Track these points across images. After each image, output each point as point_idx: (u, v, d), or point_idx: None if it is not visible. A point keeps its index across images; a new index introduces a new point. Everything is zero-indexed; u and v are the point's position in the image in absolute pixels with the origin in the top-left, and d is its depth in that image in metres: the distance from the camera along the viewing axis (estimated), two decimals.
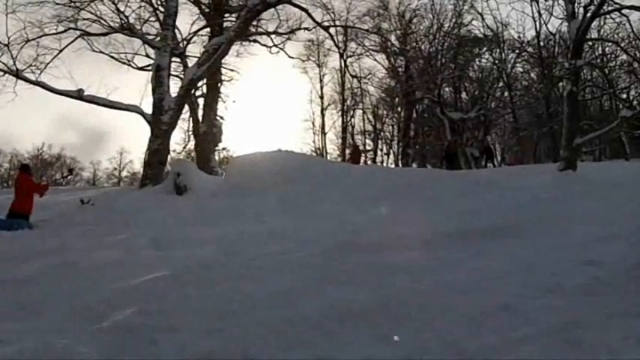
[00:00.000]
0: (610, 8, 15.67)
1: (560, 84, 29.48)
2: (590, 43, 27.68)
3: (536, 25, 35.12)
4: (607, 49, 33.27)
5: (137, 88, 45.28)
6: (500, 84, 37.01)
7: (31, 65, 19.44)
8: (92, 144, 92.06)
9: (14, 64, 18.75)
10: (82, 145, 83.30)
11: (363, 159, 30.24)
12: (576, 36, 15.31)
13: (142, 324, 4.46)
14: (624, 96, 31.23)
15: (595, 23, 21.08)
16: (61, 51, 20.27)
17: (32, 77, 19.07)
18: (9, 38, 18.88)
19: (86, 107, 19.16)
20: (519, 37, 37.64)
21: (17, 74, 18.68)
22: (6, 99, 19.31)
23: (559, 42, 34.21)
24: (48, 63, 19.85)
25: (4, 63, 18.77)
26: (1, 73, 18.94)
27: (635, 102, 31.66)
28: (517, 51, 36.92)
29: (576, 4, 15.92)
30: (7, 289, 5.94)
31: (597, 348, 3.62)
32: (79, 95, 18.42)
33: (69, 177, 25.65)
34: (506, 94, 37.16)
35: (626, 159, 30.23)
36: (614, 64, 33.94)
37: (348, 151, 37.88)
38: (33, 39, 19.73)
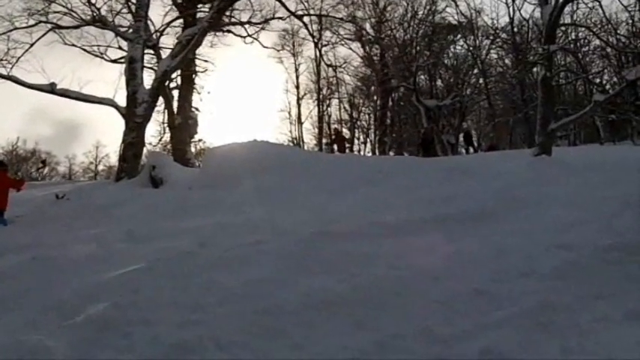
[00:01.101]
0: None
1: (535, 69, 29.65)
2: (563, 28, 27.82)
3: (509, 11, 35.53)
4: (580, 34, 33.54)
5: (111, 81, 44.87)
6: (475, 71, 37.14)
7: (1, 60, 19.26)
8: (67, 137, 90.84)
9: None
10: (57, 139, 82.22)
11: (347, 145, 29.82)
12: (549, 21, 15.36)
13: (115, 317, 4.43)
14: (597, 80, 31.49)
15: (568, 8, 21.28)
16: (32, 45, 20.11)
17: (3, 72, 18.92)
18: None
19: (59, 100, 18.96)
20: (493, 23, 37.90)
21: None
22: None
23: (532, 28, 34.43)
24: (19, 57, 19.72)
25: None
26: None
27: (608, 86, 31.94)
28: (491, 37, 37.07)
29: None
30: None
31: (568, 330, 3.67)
32: (51, 89, 18.25)
33: (43, 169, 25.40)
34: (481, 80, 37.28)
35: (601, 143, 30.58)
36: (587, 49, 34.23)
37: (328, 138, 37.70)
38: (3, 33, 19.61)
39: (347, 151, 27.96)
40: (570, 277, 4.73)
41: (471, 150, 30.61)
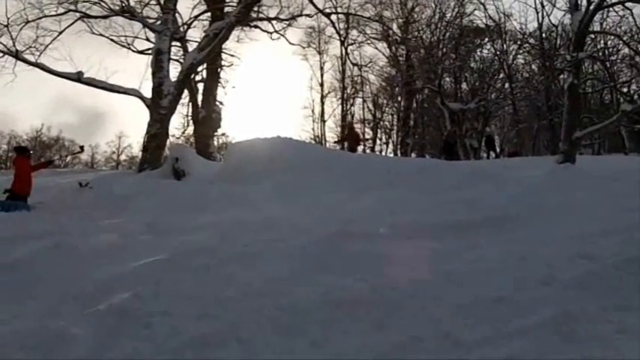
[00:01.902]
0: (613, 1, 15.64)
1: (561, 76, 29.45)
2: (593, 35, 27.52)
3: (538, 16, 35.09)
4: (609, 42, 33.19)
5: (137, 72, 45.18)
6: (501, 75, 36.91)
7: (30, 47, 19.42)
8: (90, 125, 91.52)
9: (14, 45, 18.72)
10: (80, 126, 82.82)
11: (361, 146, 28.02)
12: (579, 28, 15.25)
13: (136, 308, 4.47)
14: (625, 90, 31.07)
15: (598, 16, 21.00)
16: (60, 33, 20.22)
17: (32, 59, 19.05)
18: (8, 19, 18.85)
19: (83, 89, 19.12)
20: (521, 28, 37.63)
21: (17, 55, 18.63)
22: (5, 80, 19.30)
23: (561, 34, 34.11)
24: (48, 45, 19.85)
25: (3, 44, 18.75)
26: (1, 54, 18.91)
27: (635, 96, 31.56)
28: (519, 42, 36.82)
29: None
30: (1, 271, 5.94)
31: (591, 341, 3.62)
32: (78, 78, 18.38)
33: (80, 153, 25.66)
34: (506, 85, 37.05)
35: (625, 153, 30.21)
36: (615, 57, 33.86)
37: (339, 134, 36.94)
38: (33, 20, 19.68)
39: (363, 150, 27.38)
40: (592, 287, 4.66)
41: (492, 155, 30.40)
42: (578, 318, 3.97)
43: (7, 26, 18.70)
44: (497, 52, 36.68)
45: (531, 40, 36.52)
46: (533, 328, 3.84)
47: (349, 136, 23.97)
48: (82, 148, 16.90)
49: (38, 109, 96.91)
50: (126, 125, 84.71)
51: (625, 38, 25.00)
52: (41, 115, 68.22)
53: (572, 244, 6.08)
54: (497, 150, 33.65)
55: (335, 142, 36.61)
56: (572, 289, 4.63)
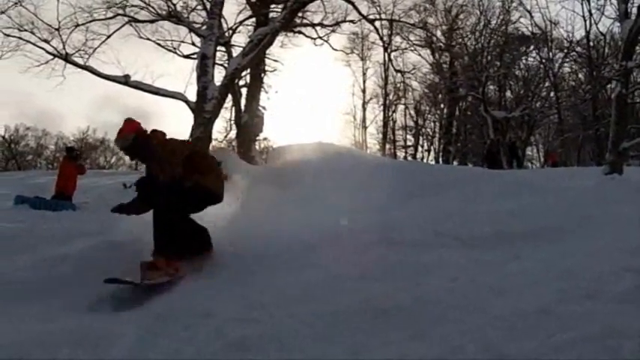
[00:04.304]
0: None
1: (609, 86, 28.86)
2: None
3: (586, 24, 34.51)
4: None
5: (182, 76, 45.70)
6: (547, 84, 36.44)
7: (79, 50, 19.87)
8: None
9: (64, 48, 19.19)
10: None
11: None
12: (628, 37, 14.94)
13: (177, 308, 4.53)
14: None
15: None
16: (109, 36, 20.70)
17: (80, 61, 19.47)
18: (59, 23, 19.33)
19: (130, 90, 19.47)
20: (568, 36, 37.04)
21: (66, 58, 19.09)
22: (55, 82, 19.76)
23: (609, 42, 33.55)
24: (96, 48, 20.33)
25: (54, 47, 19.22)
26: (52, 57, 19.38)
27: None
28: (565, 50, 36.27)
29: (630, 4, 15.54)
30: (48, 268, 6.09)
31: (637, 356, 3.54)
32: (125, 81, 18.71)
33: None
34: (552, 94, 36.54)
35: None
36: None
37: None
38: (82, 24, 20.19)
39: (405, 157, 27.25)
40: (639, 301, 4.56)
41: (515, 162, 29.80)
42: (624, 333, 3.88)
43: (57, 29, 19.18)
44: (543, 60, 36.20)
45: (578, 49, 35.96)
46: (577, 343, 3.76)
47: None
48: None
49: (83, 109, 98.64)
50: (169, 125, 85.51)
51: None
52: (86, 114, 69.49)
53: (618, 257, 5.94)
54: (520, 156, 32.82)
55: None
56: (617, 304, 4.52)
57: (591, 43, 34.80)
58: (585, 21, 34.77)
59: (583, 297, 4.71)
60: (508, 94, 38.20)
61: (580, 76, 37.37)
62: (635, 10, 15.00)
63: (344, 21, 25.26)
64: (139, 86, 18.93)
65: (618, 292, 4.77)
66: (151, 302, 4.92)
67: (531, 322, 4.15)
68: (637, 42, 16.40)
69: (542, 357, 3.60)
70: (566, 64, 36.91)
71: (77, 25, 19.98)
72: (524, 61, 37.75)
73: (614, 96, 15.54)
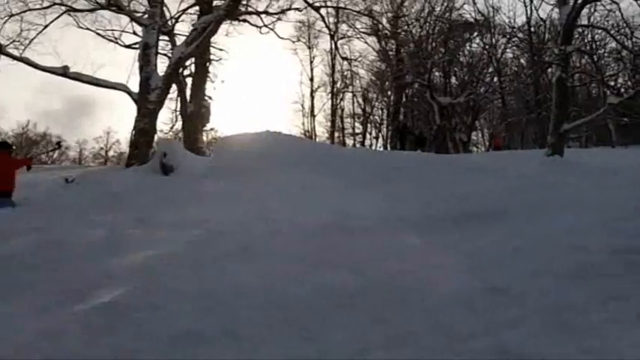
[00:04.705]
0: None
1: (550, 70, 29.53)
2: (580, 29, 27.66)
3: (527, 10, 35.26)
4: (596, 36, 33.39)
5: (124, 67, 44.82)
6: (490, 69, 37.04)
7: (14, 41, 19.22)
8: (77, 115, 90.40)
9: None
10: (65, 115, 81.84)
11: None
12: (567, 22, 15.30)
13: (127, 304, 4.40)
14: (612, 83, 31.25)
15: (585, 10, 21.07)
16: (46, 27, 20.07)
17: (16, 53, 18.83)
18: None
19: (71, 81, 18.92)
20: (510, 22, 37.72)
21: (0, 50, 18.42)
22: None
23: (549, 28, 34.27)
24: (32, 39, 19.65)
25: None
26: None
27: (622, 89, 31.73)
28: (507, 36, 36.93)
29: None
30: None
31: (585, 331, 3.60)
32: (64, 72, 18.19)
33: (56, 150, 25.42)
34: (495, 79, 37.18)
35: (612, 146, 30.40)
36: (603, 51, 34.06)
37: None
38: (17, 14, 19.53)
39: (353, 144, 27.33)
40: (586, 278, 4.65)
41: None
42: (572, 308, 3.97)
43: None
44: (486, 46, 36.78)
45: (520, 34, 36.70)
46: (528, 319, 3.83)
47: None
48: (58, 144, 16.66)
49: (22, 101, 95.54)
50: (114, 118, 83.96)
51: (612, 32, 25.16)
52: (25, 103, 67.29)
53: (565, 235, 6.09)
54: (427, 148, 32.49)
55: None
56: (565, 280, 4.62)
57: (532, 29, 35.58)
58: (526, 7, 35.63)
59: (532, 275, 4.81)
60: (453, 80, 38.68)
61: (522, 61, 38.12)
62: None
63: (289, 9, 25.17)
64: (79, 78, 18.43)
65: (565, 269, 4.88)
66: (100, 298, 4.78)
67: (483, 301, 4.20)
68: (575, 27, 16.82)
69: (494, 333, 3.63)
70: (508, 50, 37.69)
71: (11, 15, 19.34)
72: (468, 47, 38.33)
73: (554, 80, 15.92)
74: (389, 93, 42.29)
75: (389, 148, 39.01)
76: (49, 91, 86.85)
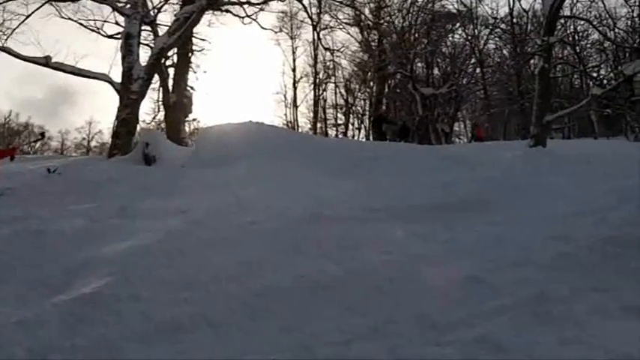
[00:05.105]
0: None
1: (532, 61, 29.64)
2: (563, 20, 27.74)
3: (509, 1, 35.29)
4: (579, 27, 33.51)
5: (107, 57, 44.46)
6: (473, 60, 37.02)
7: None
8: (59, 104, 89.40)
9: None
10: (50, 106, 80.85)
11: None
12: (549, 13, 15.32)
13: (105, 294, 4.38)
14: (594, 74, 31.43)
15: (568, 1, 21.21)
16: (28, 16, 19.74)
17: None
18: None
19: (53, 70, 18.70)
20: (492, 13, 37.77)
21: None
22: None
23: (532, 19, 34.37)
24: (14, 29, 19.38)
25: None
26: None
27: (605, 80, 31.94)
28: (490, 27, 36.97)
29: None
30: None
31: (564, 322, 3.63)
32: (46, 62, 18.01)
33: (39, 141, 25.16)
34: (478, 70, 37.23)
35: (595, 137, 30.59)
36: (585, 42, 34.24)
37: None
38: None
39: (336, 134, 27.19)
40: (566, 268, 4.69)
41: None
42: (552, 299, 3.99)
43: None
44: (469, 37, 36.76)
45: (502, 25, 36.75)
46: (507, 309, 3.85)
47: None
48: (42, 134, 16.51)
49: (4, 89, 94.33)
50: (96, 107, 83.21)
51: (595, 23, 25.25)
52: (7, 92, 66.40)
53: (546, 226, 6.13)
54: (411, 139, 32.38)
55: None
56: (546, 271, 4.65)
57: (515, 20, 35.68)
58: None
59: (512, 265, 4.83)
60: (436, 71, 38.58)
61: (504, 52, 38.13)
62: None
63: None
64: (61, 68, 18.27)
65: (546, 260, 4.92)
66: (80, 288, 4.75)
67: (463, 291, 4.23)
68: (558, 18, 16.87)
69: (473, 323, 3.65)
70: (491, 41, 37.66)
71: None
72: (450, 38, 38.25)
73: (537, 71, 15.95)
74: (371, 84, 42.21)
75: (371, 139, 39.02)
76: (31, 81, 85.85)
